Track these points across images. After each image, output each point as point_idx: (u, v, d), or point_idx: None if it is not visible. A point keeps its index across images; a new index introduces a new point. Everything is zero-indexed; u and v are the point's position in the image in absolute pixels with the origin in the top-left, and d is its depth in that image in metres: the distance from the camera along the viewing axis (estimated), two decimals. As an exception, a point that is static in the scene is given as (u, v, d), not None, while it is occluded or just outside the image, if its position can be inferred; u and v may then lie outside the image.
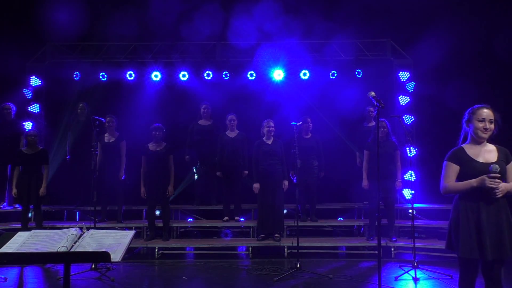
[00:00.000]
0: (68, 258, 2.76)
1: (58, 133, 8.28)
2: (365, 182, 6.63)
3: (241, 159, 7.25)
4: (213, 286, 5.34)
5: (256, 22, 7.76)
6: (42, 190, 6.66)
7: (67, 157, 7.82)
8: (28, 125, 8.06)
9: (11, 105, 7.73)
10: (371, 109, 7.31)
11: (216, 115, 7.82)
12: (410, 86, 8.09)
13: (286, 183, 6.65)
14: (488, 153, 3.42)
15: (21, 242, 2.83)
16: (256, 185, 6.66)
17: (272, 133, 6.69)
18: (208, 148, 7.54)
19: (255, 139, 6.85)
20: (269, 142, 6.67)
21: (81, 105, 7.77)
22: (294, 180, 5.88)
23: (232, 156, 7.20)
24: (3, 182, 7.60)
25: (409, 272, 5.36)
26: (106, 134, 7.25)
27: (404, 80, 8.12)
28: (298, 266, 5.52)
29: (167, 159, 6.83)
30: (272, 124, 6.71)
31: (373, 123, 7.20)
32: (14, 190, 6.69)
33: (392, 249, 6.52)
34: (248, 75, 8.33)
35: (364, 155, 6.70)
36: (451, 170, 3.38)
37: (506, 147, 3.52)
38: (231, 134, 7.30)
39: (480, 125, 3.42)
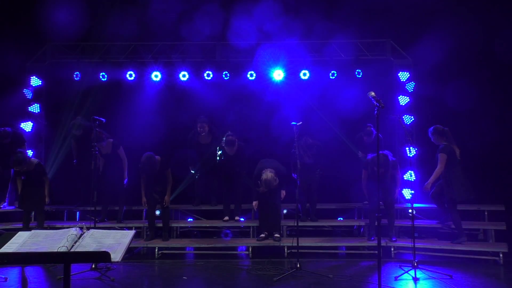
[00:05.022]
0: (68, 258, 2.76)
1: (59, 133, 8.27)
2: (364, 191, 6.73)
3: (241, 165, 7.26)
4: (213, 286, 5.34)
5: (256, 22, 7.76)
6: (47, 200, 6.77)
7: (74, 161, 7.81)
8: (28, 125, 8.06)
9: (8, 130, 7.49)
10: (371, 129, 7.29)
11: (215, 119, 7.78)
12: (410, 86, 8.09)
13: (283, 192, 6.69)
14: None
15: (21, 242, 2.84)
16: (254, 203, 6.69)
17: (274, 184, 6.40)
18: (207, 158, 7.52)
19: (255, 139, 6.83)
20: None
21: (76, 122, 7.60)
22: (297, 181, 5.90)
23: (233, 165, 7.22)
24: (4, 182, 7.59)
25: (409, 272, 5.36)
26: (102, 144, 7.11)
27: (404, 80, 8.12)
28: (298, 266, 5.52)
29: (163, 174, 6.83)
30: (273, 182, 6.31)
31: (373, 136, 7.19)
32: (20, 198, 6.74)
33: (392, 249, 6.52)
34: (248, 75, 8.32)
35: (363, 174, 6.69)
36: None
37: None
38: (231, 152, 7.16)
39: None
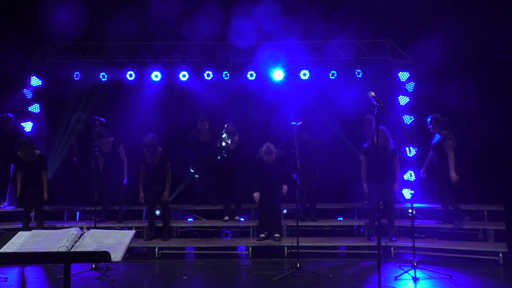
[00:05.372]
0: (69, 258, 2.77)
1: (59, 133, 8.28)
2: (364, 186, 6.67)
3: (242, 162, 7.25)
4: (213, 286, 5.35)
5: (256, 22, 7.76)
6: (46, 196, 6.71)
7: (74, 159, 7.83)
8: (28, 125, 8.06)
9: (11, 115, 7.65)
10: (370, 117, 7.29)
11: (215, 119, 7.79)
12: (410, 86, 8.09)
13: (285, 187, 6.69)
14: None
15: (21, 242, 2.84)
16: (255, 194, 6.70)
17: (274, 157, 6.56)
18: (209, 156, 7.53)
19: (255, 139, 6.85)
20: (271, 161, 6.63)
21: (78, 118, 7.69)
22: (295, 179, 5.93)
23: (233, 163, 7.21)
24: (4, 182, 7.60)
25: (409, 272, 5.37)
26: (102, 141, 7.17)
27: (404, 80, 8.12)
28: (298, 266, 5.52)
29: (163, 167, 6.84)
30: (272, 150, 6.54)
31: (372, 127, 7.19)
32: (19, 195, 6.72)
33: (392, 249, 6.53)
34: (248, 75, 8.32)
35: (362, 160, 6.71)
36: None
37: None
38: (232, 146, 7.23)
39: None
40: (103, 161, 7.28)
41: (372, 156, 6.38)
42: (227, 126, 7.17)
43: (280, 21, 7.83)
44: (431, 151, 6.75)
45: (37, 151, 6.88)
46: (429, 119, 6.60)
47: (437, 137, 6.62)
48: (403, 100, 8.06)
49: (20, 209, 7.00)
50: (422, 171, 6.88)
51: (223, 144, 7.18)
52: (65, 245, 2.73)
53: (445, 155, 6.41)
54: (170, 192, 6.96)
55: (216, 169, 7.43)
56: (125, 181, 7.29)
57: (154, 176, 6.81)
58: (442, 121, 6.52)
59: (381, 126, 6.34)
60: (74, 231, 2.89)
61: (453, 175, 6.31)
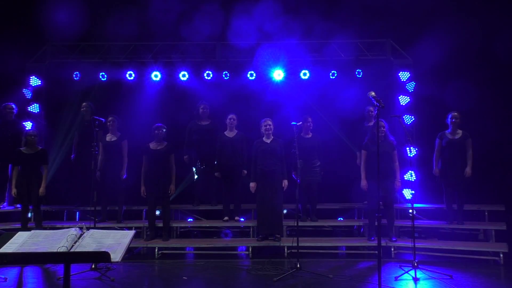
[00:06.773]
0: (68, 258, 2.76)
1: (58, 133, 8.28)
2: (363, 182, 6.64)
3: (240, 159, 7.25)
4: (213, 286, 5.34)
5: (256, 22, 7.76)
6: (41, 190, 6.66)
7: (72, 155, 7.81)
8: (28, 125, 8.05)
9: (13, 105, 7.73)
10: (371, 108, 7.33)
11: (215, 115, 7.82)
12: (410, 86, 8.09)
13: (286, 182, 6.64)
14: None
15: (21, 242, 2.83)
16: (252, 184, 6.68)
17: (270, 131, 6.68)
18: (208, 148, 7.53)
19: (255, 139, 6.85)
20: (268, 141, 6.67)
21: (84, 104, 7.79)
22: (298, 181, 5.91)
23: (232, 156, 7.21)
24: (3, 182, 7.59)
25: (409, 272, 5.36)
26: (108, 134, 7.26)
27: (404, 80, 8.12)
28: (298, 266, 5.52)
29: (168, 158, 6.83)
30: (269, 122, 6.70)
31: (372, 122, 7.21)
32: (14, 190, 6.68)
33: (392, 249, 6.52)
34: (248, 75, 8.32)
35: (362, 155, 6.72)
36: None
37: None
38: (230, 134, 7.30)
39: None
40: (103, 155, 7.20)
41: (372, 149, 6.37)
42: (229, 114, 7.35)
43: (280, 21, 7.83)
44: (445, 146, 6.74)
45: (39, 147, 6.91)
46: (454, 115, 6.74)
47: (448, 133, 6.77)
48: (404, 100, 8.06)
49: (19, 208, 6.98)
50: (435, 169, 6.92)
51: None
52: (65, 245, 2.73)
53: (462, 152, 6.67)
54: (175, 184, 6.97)
55: (216, 169, 7.41)
56: (124, 176, 7.23)
57: (156, 167, 6.74)
58: None
59: (381, 119, 6.37)
60: (73, 231, 2.88)
61: (469, 170, 6.63)
